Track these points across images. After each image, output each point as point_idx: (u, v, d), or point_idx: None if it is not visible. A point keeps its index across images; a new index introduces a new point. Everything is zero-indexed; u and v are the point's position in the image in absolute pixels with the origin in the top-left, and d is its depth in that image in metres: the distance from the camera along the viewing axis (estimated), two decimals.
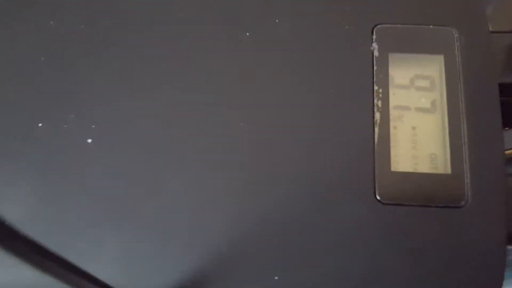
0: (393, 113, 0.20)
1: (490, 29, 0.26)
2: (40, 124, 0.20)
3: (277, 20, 0.21)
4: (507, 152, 0.24)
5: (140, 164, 0.19)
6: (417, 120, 0.20)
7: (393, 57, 0.21)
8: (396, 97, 0.20)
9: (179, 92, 0.20)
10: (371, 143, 0.19)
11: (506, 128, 0.25)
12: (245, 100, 0.20)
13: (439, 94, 0.20)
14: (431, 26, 0.21)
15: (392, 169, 0.19)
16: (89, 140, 0.20)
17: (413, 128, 0.20)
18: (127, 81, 0.21)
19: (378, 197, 0.19)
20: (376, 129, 0.20)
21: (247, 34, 0.21)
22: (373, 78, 0.20)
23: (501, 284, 0.18)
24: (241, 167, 0.19)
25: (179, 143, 0.20)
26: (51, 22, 0.21)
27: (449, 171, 0.19)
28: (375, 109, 0.20)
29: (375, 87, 0.20)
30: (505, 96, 0.22)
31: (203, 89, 0.20)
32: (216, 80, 0.20)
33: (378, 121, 0.20)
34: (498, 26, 0.27)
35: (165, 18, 0.21)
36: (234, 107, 0.20)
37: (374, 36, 0.21)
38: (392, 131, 0.20)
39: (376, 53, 0.21)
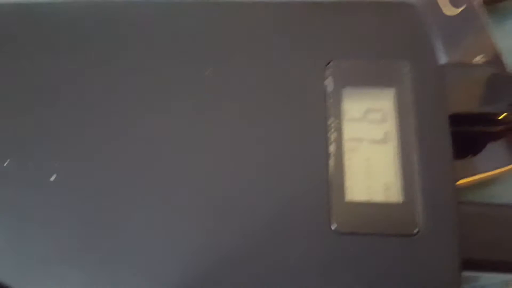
0: (347, 145, 0.21)
1: (448, 60, 0.27)
2: (5, 164, 0.21)
3: (232, 56, 0.22)
4: (464, 181, 0.25)
5: (101, 202, 0.20)
6: (370, 151, 0.21)
7: (346, 91, 0.21)
8: (350, 130, 0.21)
9: (138, 132, 0.21)
10: (325, 175, 0.20)
11: (470, 156, 0.26)
12: (201, 134, 0.21)
13: (392, 126, 0.21)
14: (382, 61, 0.22)
15: (347, 199, 0.20)
16: (52, 178, 0.20)
17: (367, 159, 0.21)
18: (88, 121, 0.21)
19: (333, 227, 0.19)
20: (331, 161, 0.20)
21: (204, 71, 0.22)
22: (327, 112, 0.21)
23: None
24: (197, 202, 0.20)
25: (138, 182, 0.20)
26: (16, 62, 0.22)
27: (401, 200, 0.20)
28: (330, 142, 0.21)
29: (329, 121, 0.21)
30: (460, 125, 0.22)
31: (161, 128, 0.21)
32: (169, 114, 0.21)
33: (332, 153, 0.20)
34: (471, 57, 0.27)
35: (123, 61, 0.22)
36: (191, 141, 0.21)
37: (327, 71, 0.22)
38: (346, 162, 0.21)
39: (330, 88, 0.21)
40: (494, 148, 0.26)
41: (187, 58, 0.22)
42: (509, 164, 0.26)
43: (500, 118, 0.23)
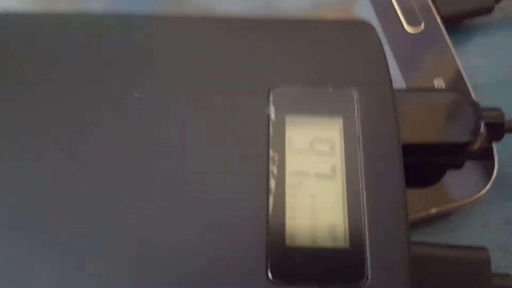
0: (290, 179, 0.19)
1: (406, 82, 0.25)
2: None
3: (167, 79, 0.20)
4: (415, 216, 0.23)
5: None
6: (316, 187, 0.19)
7: (290, 120, 0.19)
8: (293, 163, 0.19)
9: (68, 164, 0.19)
10: (264, 214, 0.18)
11: (426, 186, 0.24)
12: (130, 168, 0.18)
13: (339, 159, 0.19)
14: (330, 88, 0.20)
15: (287, 243, 0.18)
16: None
17: (312, 196, 0.19)
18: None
19: (270, 276, 0.17)
20: (271, 198, 0.18)
21: (135, 94, 0.19)
22: (269, 143, 0.19)
23: None
24: (118, 242, 0.18)
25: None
26: None
27: (348, 244, 0.18)
28: (270, 176, 0.18)
29: (271, 152, 0.19)
30: (416, 156, 0.21)
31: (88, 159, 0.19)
32: (97, 145, 0.19)
33: (273, 189, 0.18)
34: (430, 78, 0.26)
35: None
36: (120, 175, 0.18)
37: (270, 98, 0.19)
38: (288, 199, 0.18)
39: (272, 116, 0.19)
40: (453, 178, 0.25)
41: (112, 77, 0.20)
42: (469, 195, 0.24)
43: (460, 147, 0.22)
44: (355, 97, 0.19)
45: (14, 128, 0.19)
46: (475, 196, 0.24)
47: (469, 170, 0.25)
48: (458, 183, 0.25)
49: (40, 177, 0.18)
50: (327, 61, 0.20)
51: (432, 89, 0.25)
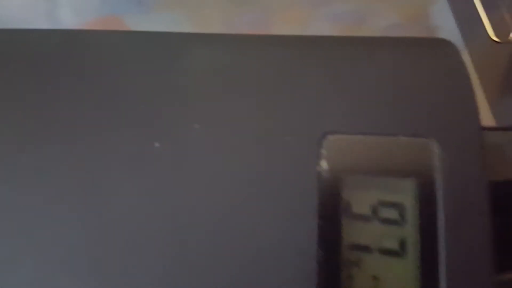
0: (347, 256, 0.15)
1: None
2: None
3: (196, 126, 0.16)
4: None
5: None
6: (380, 267, 0.15)
7: (348, 180, 0.15)
8: (351, 234, 0.15)
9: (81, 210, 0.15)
10: None
11: None
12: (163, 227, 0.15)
13: (411, 231, 0.15)
14: (402, 137, 0.15)
15: None
16: None
17: (375, 278, 0.15)
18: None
19: None
20: (321, 281, 0.14)
21: (157, 144, 0.16)
22: (319, 208, 0.15)
23: None
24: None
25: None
26: None
27: None
28: (321, 251, 0.15)
29: (321, 220, 0.15)
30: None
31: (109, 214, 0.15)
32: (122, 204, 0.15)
33: (324, 269, 0.14)
34: None
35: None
36: (151, 238, 0.15)
37: (322, 151, 0.15)
38: (344, 282, 0.14)
39: (325, 175, 0.15)
40: None
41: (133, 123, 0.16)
42: None
43: None
44: (434, 151, 0.15)
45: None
46: None
47: None
48: None
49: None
50: (398, 99, 0.16)
51: None
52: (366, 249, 0.15)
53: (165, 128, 0.16)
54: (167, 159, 0.16)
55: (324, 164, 0.15)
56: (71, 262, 0.15)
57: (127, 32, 0.18)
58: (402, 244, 0.15)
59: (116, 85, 0.17)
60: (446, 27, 0.17)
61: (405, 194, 0.15)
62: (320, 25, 0.23)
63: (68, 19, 0.25)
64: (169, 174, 0.15)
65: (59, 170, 0.16)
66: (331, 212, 0.15)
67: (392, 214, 0.15)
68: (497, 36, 0.22)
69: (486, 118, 0.22)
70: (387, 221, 0.15)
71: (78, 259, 0.15)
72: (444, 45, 0.17)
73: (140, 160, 0.16)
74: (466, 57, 0.20)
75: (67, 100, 0.16)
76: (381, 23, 0.23)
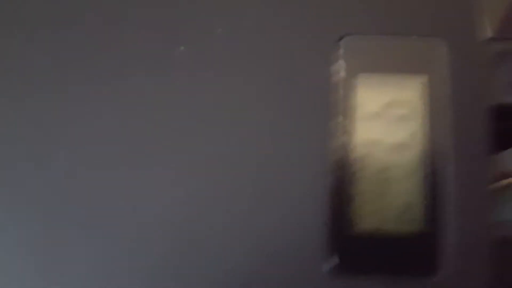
0: (360, 149, 0.16)
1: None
2: None
3: (219, 30, 0.16)
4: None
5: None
6: (390, 158, 0.16)
7: (362, 79, 0.16)
8: (364, 130, 0.16)
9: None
10: (327, 193, 0.16)
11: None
12: (177, 138, 0.16)
13: (420, 125, 0.16)
14: (412, 37, 0.16)
15: (354, 227, 0.16)
16: None
17: (385, 169, 0.16)
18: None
19: (331, 266, 0.15)
20: (336, 173, 0.16)
21: (182, 48, 0.16)
22: (337, 106, 0.16)
23: None
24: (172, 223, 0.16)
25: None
26: None
27: (422, 228, 0.15)
28: (337, 147, 0.16)
29: (339, 118, 0.16)
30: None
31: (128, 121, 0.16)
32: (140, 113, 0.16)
33: (339, 163, 0.16)
34: None
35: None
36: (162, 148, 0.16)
37: (340, 51, 0.16)
38: (356, 174, 0.16)
39: (342, 73, 0.16)
40: None
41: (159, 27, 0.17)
42: None
43: None
44: (442, 51, 0.16)
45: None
46: None
47: None
48: None
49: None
50: (405, 7, 0.16)
51: None
52: (377, 142, 0.16)
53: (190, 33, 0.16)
54: (191, 62, 0.16)
55: (342, 63, 0.16)
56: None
57: None
58: (412, 137, 0.16)
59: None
60: None
61: (415, 91, 0.16)
62: None
63: None
64: (193, 75, 0.16)
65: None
66: (346, 110, 0.16)
67: (403, 110, 0.16)
68: None
69: None
70: (397, 118, 0.16)
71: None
72: None
73: (165, 62, 0.17)
74: None
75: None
76: None
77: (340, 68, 0.16)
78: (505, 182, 0.19)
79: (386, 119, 0.16)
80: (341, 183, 0.16)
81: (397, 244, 0.15)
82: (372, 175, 0.16)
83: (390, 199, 0.16)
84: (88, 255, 0.15)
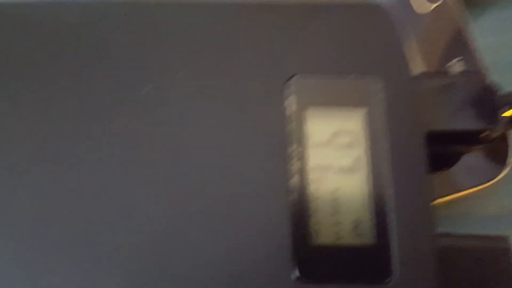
0: (312, 175, 0.18)
1: (421, 66, 0.24)
2: None
3: (180, 74, 0.19)
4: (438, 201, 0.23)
5: None
6: (339, 181, 0.18)
7: (310, 113, 0.18)
8: (314, 157, 0.18)
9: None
10: (287, 212, 0.17)
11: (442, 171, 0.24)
12: (143, 165, 0.18)
13: (362, 152, 0.18)
14: (351, 77, 0.19)
15: (312, 241, 0.17)
16: None
17: (335, 191, 0.18)
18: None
19: (296, 275, 0.17)
20: (293, 195, 0.18)
21: (145, 90, 0.18)
22: (289, 138, 0.18)
23: None
24: (145, 246, 0.17)
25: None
26: None
27: (373, 241, 0.17)
28: (292, 173, 0.18)
29: (292, 147, 0.18)
30: (439, 144, 0.20)
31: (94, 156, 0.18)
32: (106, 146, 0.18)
33: (295, 185, 0.18)
34: (446, 60, 0.25)
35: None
36: (133, 173, 0.18)
37: (289, 88, 0.19)
38: (311, 195, 0.18)
39: (292, 108, 0.18)
40: (469, 163, 0.24)
41: (121, 69, 0.19)
42: (486, 180, 0.24)
43: (480, 136, 0.21)
44: (378, 87, 0.19)
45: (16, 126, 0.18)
46: (491, 182, 0.24)
47: (484, 155, 0.24)
48: (473, 168, 0.24)
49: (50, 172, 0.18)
50: (345, 48, 0.19)
51: (448, 74, 0.24)
52: (327, 168, 0.18)
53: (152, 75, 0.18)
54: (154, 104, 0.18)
55: (291, 100, 0.19)
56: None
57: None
58: (355, 162, 0.18)
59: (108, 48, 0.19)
60: None
61: (357, 122, 0.19)
62: None
63: None
64: (156, 117, 0.18)
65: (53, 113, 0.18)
66: (298, 140, 0.18)
67: (346, 139, 0.19)
68: (423, 6, 0.26)
69: None
70: (343, 146, 0.19)
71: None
72: (374, 7, 0.20)
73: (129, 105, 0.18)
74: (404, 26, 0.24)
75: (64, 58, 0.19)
76: None
77: (291, 103, 0.18)
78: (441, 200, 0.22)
79: (334, 147, 0.18)
80: (299, 203, 0.17)
81: (351, 255, 0.17)
82: (325, 195, 0.18)
83: (342, 216, 0.18)
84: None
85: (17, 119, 0.18)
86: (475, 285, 0.18)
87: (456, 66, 0.25)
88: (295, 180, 0.18)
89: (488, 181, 0.24)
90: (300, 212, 0.17)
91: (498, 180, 0.24)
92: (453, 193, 0.24)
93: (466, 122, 0.21)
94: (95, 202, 0.17)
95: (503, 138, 0.24)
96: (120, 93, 0.18)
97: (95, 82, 0.18)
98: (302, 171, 0.18)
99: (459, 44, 0.25)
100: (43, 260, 0.17)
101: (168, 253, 0.17)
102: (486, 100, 0.21)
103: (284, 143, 0.18)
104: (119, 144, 0.18)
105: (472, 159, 0.24)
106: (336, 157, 0.18)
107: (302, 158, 0.18)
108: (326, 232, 0.17)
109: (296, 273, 0.17)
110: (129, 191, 0.17)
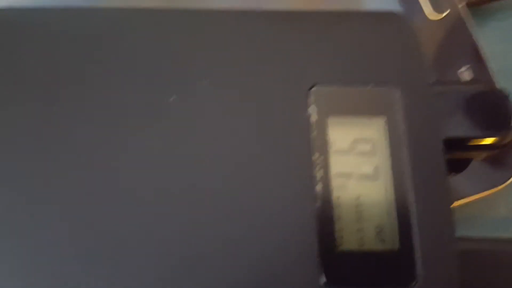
0: (335, 182, 0.18)
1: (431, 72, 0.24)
2: None
3: (204, 83, 0.19)
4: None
5: None
6: (360, 188, 0.18)
7: (332, 121, 0.19)
8: (336, 164, 0.19)
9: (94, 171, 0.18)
10: (312, 219, 0.18)
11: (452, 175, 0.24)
12: (170, 176, 0.18)
13: (383, 159, 0.19)
14: (371, 87, 0.19)
15: (337, 248, 0.17)
16: None
17: (357, 197, 0.18)
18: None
19: (322, 282, 0.17)
20: (318, 202, 0.18)
21: (172, 99, 0.19)
22: (312, 145, 0.18)
23: None
24: (170, 252, 0.17)
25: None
26: None
27: (397, 246, 0.18)
28: (316, 179, 0.18)
29: (315, 155, 0.18)
30: (452, 151, 0.20)
31: (123, 170, 0.18)
32: (136, 155, 0.18)
33: (319, 193, 0.18)
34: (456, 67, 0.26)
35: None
36: (160, 183, 0.18)
37: (311, 99, 0.19)
38: (334, 202, 0.18)
39: (314, 117, 0.19)
40: (477, 169, 0.25)
41: (137, 78, 0.19)
42: (494, 186, 0.24)
43: (490, 142, 0.21)
44: (397, 96, 0.19)
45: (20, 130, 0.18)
46: (500, 187, 0.24)
47: (493, 160, 0.25)
48: (483, 173, 0.25)
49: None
50: (365, 57, 0.20)
51: (460, 82, 0.25)
52: (349, 175, 0.19)
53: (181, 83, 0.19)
54: (179, 113, 0.19)
55: (314, 109, 0.19)
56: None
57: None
58: (376, 170, 0.19)
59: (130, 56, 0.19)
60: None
61: (376, 130, 0.19)
62: None
63: None
64: (181, 126, 0.19)
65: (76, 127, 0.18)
66: (321, 148, 0.19)
67: (366, 147, 0.19)
68: (433, 14, 0.26)
69: None
70: (363, 153, 0.19)
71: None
72: (392, 15, 0.21)
73: (154, 115, 0.19)
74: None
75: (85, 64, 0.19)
76: None
77: (312, 112, 0.19)
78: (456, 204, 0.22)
79: (354, 155, 0.19)
80: (323, 210, 0.18)
81: (375, 261, 0.18)
82: (347, 202, 0.18)
83: (365, 222, 0.18)
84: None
85: (33, 126, 0.18)
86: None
87: (465, 74, 0.25)
88: (319, 187, 0.18)
89: (497, 186, 0.24)
90: (324, 219, 0.18)
91: (507, 184, 0.25)
92: (462, 198, 0.24)
93: (479, 128, 0.21)
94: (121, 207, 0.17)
95: None
96: (145, 103, 0.19)
97: (118, 90, 0.19)
98: (325, 179, 0.18)
99: (468, 52, 0.26)
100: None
101: (194, 259, 0.17)
102: (498, 107, 0.21)
103: (307, 151, 0.18)
104: (144, 153, 0.18)
105: (482, 164, 0.25)
106: (356, 164, 0.19)
107: (325, 166, 0.18)
108: (350, 238, 0.18)
109: (323, 279, 0.17)
110: (155, 200, 0.18)
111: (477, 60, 0.26)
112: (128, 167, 0.18)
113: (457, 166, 0.24)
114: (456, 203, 0.24)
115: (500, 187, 0.24)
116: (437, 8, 0.26)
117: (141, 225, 0.17)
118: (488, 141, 0.21)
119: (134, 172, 0.18)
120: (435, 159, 0.19)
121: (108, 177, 0.18)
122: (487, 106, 0.21)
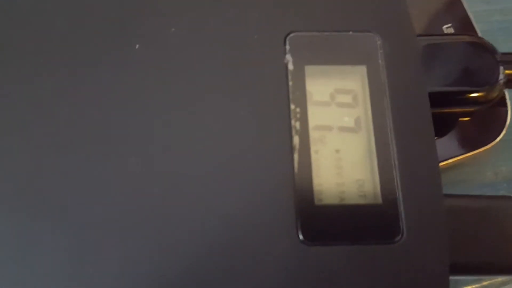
0: (313, 134, 0.17)
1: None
2: None
3: (172, 30, 0.18)
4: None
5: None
6: (341, 141, 0.17)
7: (310, 70, 0.18)
8: (315, 116, 0.17)
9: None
10: (290, 173, 0.16)
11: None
12: (138, 127, 0.17)
13: (364, 110, 0.18)
14: (350, 33, 0.18)
15: (316, 202, 0.16)
16: None
17: (337, 151, 0.17)
18: None
19: (301, 237, 0.16)
20: (296, 156, 0.17)
21: (137, 46, 0.17)
22: (289, 96, 0.17)
23: None
24: (143, 209, 0.16)
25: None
26: None
27: (379, 200, 0.17)
28: (293, 132, 0.17)
29: (292, 106, 0.17)
30: (437, 106, 0.19)
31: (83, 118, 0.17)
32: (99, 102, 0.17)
33: (297, 146, 0.17)
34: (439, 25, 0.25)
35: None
36: (125, 136, 0.17)
37: (287, 47, 0.18)
38: (313, 156, 0.17)
39: (290, 66, 0.18)
40: (464, 130, 0.24)
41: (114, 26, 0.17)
42: (481, 146, 0.24)
43: (476, 96, 0.20)
44: (378, 43, 0.18)
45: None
46: (490, 145, 0.23)
47: (482, 119, 0.24)
48: (468, 135, 0.24)
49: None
50: (345, 3, 0.19)
51: (448, 34, 0.24)
52: (328, 128, 0.18)
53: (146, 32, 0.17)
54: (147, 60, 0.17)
55: (289, 58, 0.18)
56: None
57: None
58: (357, 122, 0.18)
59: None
60: None
61: (357, 80, 0.18)
62: None
63: None
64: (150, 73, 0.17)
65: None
66: (298, 100, 0.17)
67: (347, 98, 0.18)
68: None
69: None
70: (343, 105, 0.18)
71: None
72: None
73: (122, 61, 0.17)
74: None
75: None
76: None
77: (288, 61, 0.18)
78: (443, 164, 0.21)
79: (334, 106, 0.18)
80: (301, 163, 0.17)
81: (357, 215, 0.16)
82: (327, 156, 0.17)
83: (345, 177, 0.17)
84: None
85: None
86: (484, 244, 0.18)
87: (450, 31, 0.24)
88: (296, 141, 0.17)
89: (483, 147, 0.24)
90: (302, 173, 0.17)
91: (493, 147, 0.24)
92: (448, 159, 0.23)
93: (465, 81, 0.20)
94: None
95: (502, 102, 0.24)
96: (112, 50, 0.17)
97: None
98: (303, 132, 0.17)
99: (452, 11, 0.25)
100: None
101: (173, 217, 0.16)
102: (486, 59, 0.20)
103: (284, 103, 0.17)
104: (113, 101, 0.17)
105: (469, 125, 0.24)
106: (335, 117, 0.18)
107: (302, 118, 0.17)
108: (329, 193, 0.17)
109: (301, 235, 0.16)
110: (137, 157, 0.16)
111: (461, 17, 0.25)
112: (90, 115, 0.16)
113: (442, 126, 0.23)
114: (443, 164, 0.23)
115: (486, 147, 0.23)
116: None
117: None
118: (474, 95, 0.20)
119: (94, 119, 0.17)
120: (420, 111, 0.18)
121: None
122: (473, 59, 0.21)
